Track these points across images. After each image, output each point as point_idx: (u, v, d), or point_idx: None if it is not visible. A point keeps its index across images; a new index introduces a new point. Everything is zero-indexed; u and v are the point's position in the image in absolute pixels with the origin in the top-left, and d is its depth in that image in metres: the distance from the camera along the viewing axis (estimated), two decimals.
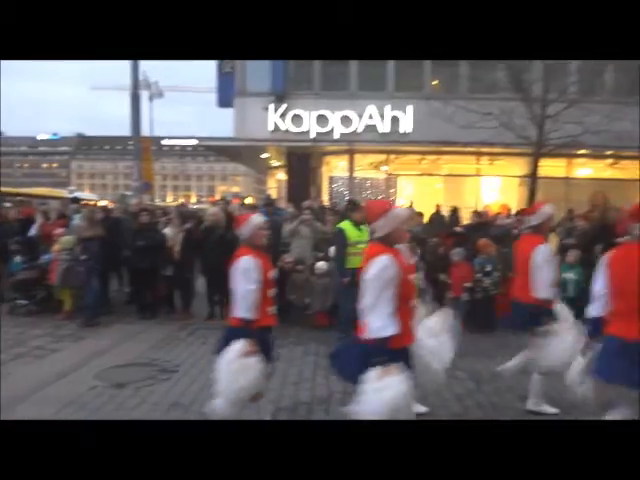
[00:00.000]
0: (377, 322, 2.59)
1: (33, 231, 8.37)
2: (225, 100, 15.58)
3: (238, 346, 3.11)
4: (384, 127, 13.73)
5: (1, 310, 7.59)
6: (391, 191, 14.59)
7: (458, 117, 10.63)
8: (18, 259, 7.79)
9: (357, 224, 6.39)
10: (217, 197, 41.23)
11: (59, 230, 7.66)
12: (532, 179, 10.78)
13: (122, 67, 17.03)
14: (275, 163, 16.42)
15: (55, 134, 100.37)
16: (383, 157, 14.66)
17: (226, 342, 3.21)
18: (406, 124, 13.70)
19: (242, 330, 3.16)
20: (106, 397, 4.37)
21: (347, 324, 6.53)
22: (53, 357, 5.54)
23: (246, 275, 3.20)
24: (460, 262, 7.00)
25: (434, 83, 14.23)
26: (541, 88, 10.20)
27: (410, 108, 13.61)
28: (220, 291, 7.40)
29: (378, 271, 2.64)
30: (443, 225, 9.88)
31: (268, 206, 9.45)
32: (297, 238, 7.40)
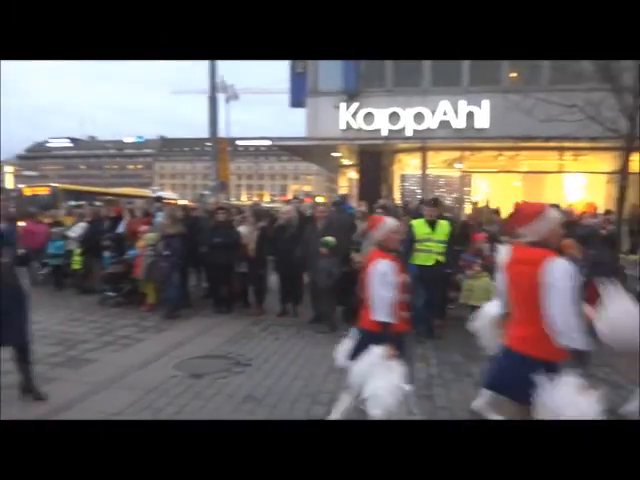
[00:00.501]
0: (572, 333, 2.32)
1: (121, 228, 8.94)
2: (297, 100, 15.78)
3: (379, 350, 3.04)
4: (458, 123, 13.30)
5: (93, 301, 8.23)
6: (465, 189, 14.13)
7: (538, 110, 10.04)
8: (107, 254, 8.39)
9: (429, 221, 6.28)
10: (289, 196, 42.02)
11: (144, 227, 8.12)
12: (622, 175, 10.00)
13: (200, 72, 17.82)
14: (346, 162, 16.42)
15: (140, 137, 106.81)
16: (457, 154, 14.21)
17: (363, 346, 3.14)
18: (482, 119, 13.20)
19: (381, 334, 3.09)
20: (184, 386, 4.58)
21: (414, 321, 6.46)
22: (137, 346, 5.90)
23: (383, 279, 3.13)
24: None
25: (512, 75, 13.60)
26: (633, 76, 9.43)
27: (486, 102, 13.09)
28: (292, 288, 7.56)
29: (566, 274, 2.34)
30: None
31: (339, 204, 9.49)
32: (368, 237, 7.32)
